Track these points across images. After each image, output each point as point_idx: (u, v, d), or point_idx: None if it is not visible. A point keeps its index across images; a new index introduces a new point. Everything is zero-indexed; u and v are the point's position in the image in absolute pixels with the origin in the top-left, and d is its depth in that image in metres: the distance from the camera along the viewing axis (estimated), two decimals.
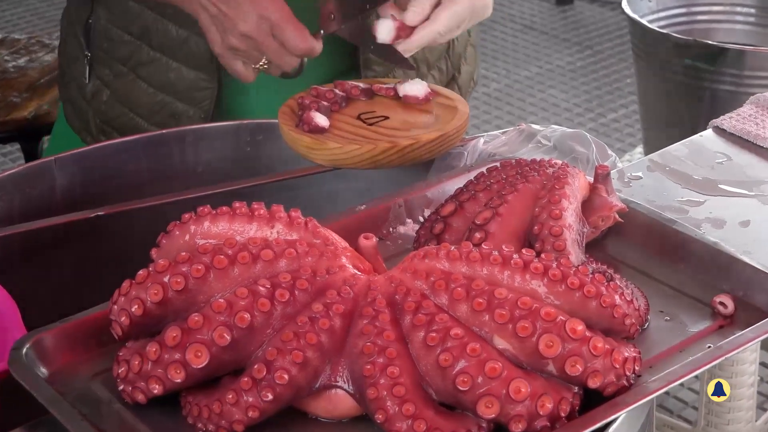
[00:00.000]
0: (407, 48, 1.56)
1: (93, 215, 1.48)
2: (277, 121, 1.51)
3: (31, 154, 3.19)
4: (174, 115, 1.78)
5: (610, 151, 1.58)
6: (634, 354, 1.10)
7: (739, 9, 3.35)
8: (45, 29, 5.51)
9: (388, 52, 1.55)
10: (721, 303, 1.23)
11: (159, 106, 1.79)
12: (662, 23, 3.25)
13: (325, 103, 1.51)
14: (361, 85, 1.56)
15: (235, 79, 1.63)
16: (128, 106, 1.81)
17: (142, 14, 1.76)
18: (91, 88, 1.85)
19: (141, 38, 1.78)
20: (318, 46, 1.58)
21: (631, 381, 1.09)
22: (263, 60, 1.59)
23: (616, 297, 1.11)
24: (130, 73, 1.81)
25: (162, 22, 1.75)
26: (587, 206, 1.30)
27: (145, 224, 1.32)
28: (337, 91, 1.53)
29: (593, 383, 1.06)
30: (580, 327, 1.06)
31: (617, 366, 1.07)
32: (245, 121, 1.72)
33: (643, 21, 3.09)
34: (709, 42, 2.94)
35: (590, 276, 1.11)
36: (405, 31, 1.55)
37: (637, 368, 1.10)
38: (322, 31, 1.58)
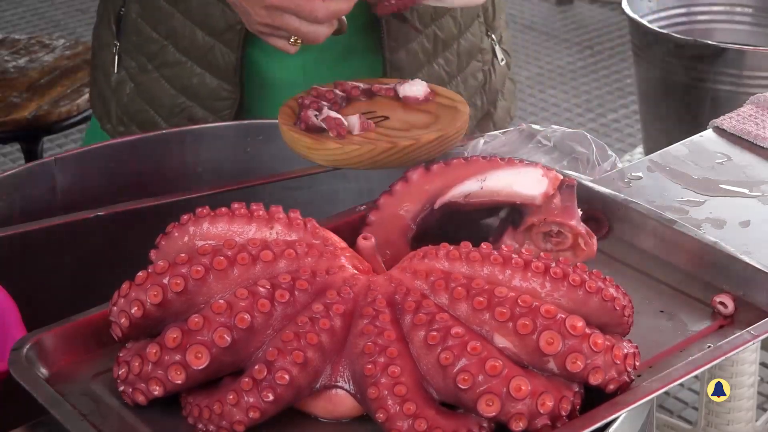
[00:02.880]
0: None
1: (93, 216, 1.48)
2: (277, 121, 1.51)
3: (31, 154, 3.19)
4: (193, 120, 1.78)
5: (610, 151, 1.58)
6: (633, 350, 1.10)
7: (738, 9, 3.35)
8: (45, 29, 5.52)
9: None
10: (721, 303, 1.23)
11: (179, 109, 1.79)
12: (662, 23, 3.25)
13: (324, 103, 1.51)
14: (361, 85, 1.56)
15: (256, 91, 1.63)
16: (149, 103, 1.81)
17: (172, 16, 1.76)
18: (116, 78, 1.85)
19: (168, 39, 1.78)
20: (333, 5, 1.51)
21: (632, 377, 1.09)
22: (293, 38, 1.57)
23: (612, 290, 1.11)
24: (154, 70, 1.80)
25: (190, 27, 1.75)
26: (535, 208, 1.28)
27: (145, 224, 1.32)
28: (337, 91, 1.53)
29: (594, 380, 1.06)
30: (580, 324, 1.06)
31: (618, 362, 1.07)
32: (245, 122, 1.72)
33: (643, 21, 3.08)
34: (709, 42, 2.94)
35: (589, 272, 1.11)
36: None
37: (637, 363, 1.10)
38: None
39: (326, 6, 1.51)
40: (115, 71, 1.85)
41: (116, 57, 1.85)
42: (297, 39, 1.56)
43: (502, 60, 1.92)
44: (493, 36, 1.90)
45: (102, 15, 1.90)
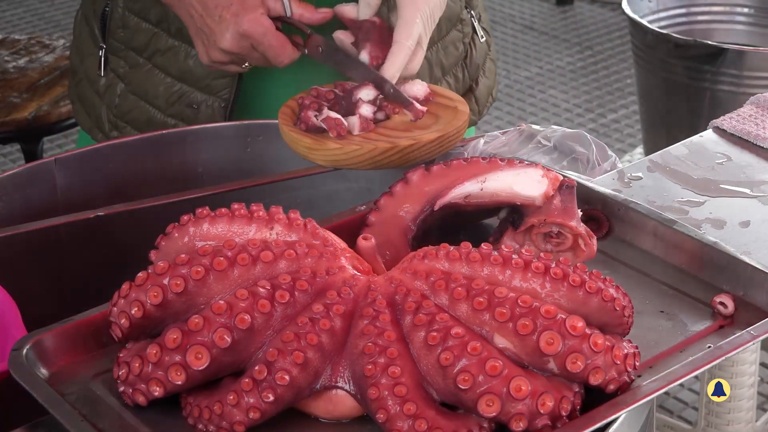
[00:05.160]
0: (390, 73, 1.51)
1: (93, 216, 1.48)
2: (277, 121, 1.51)
3: (31, 154, 3.19)
4: (192, 105, 1.77)
5: (610, 152, 1.58)
6: (633, 350, 1.10)
7: (738, 9, 3.36)
8: (45, 30, 5.52)
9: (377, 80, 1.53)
10: (722, 303, 1.23)
11: (176, 96, 1.78)
12: (662, 23, 3.26)
13: (324, 103, 1.51)
14: None
15: (255, 68, 1.65)
16: (144, 98, 1.81)
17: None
18: (104, 83, 1.84)
19: (159, 25, 1.78)
20: (297, 54, 1.59)
21: (632, 377, 1.09)
22: (247, 63, 1.62)
23: (612, 290, 1.11)
24: (146, 62, 1.80)
25: None
26: (535, 208, 1.28)
27: (145, 225, 1.33)
28: (337, 91, 1.53)
29: (594, 380, 1.06)
30: (580, 324, 1.06)
31: (618, 362, 1.07)
32: (245, 122, 1.72)
33: (643, 21, 3.09)
34: (709, 42, 2.95)
35: (589, 272, 1.11)
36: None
37: (637, 363, 1.10)
38: (306, 51, 1.59)
39: (293, 56, 1.59)
40: (102, 75, 1.85)
41: (102, 61, 1.85)
42: (249, 65, 1.63)
43: (483, 38, 1.95)
44: (472, 12, 1.92)
45: (81, 27, 1.91)
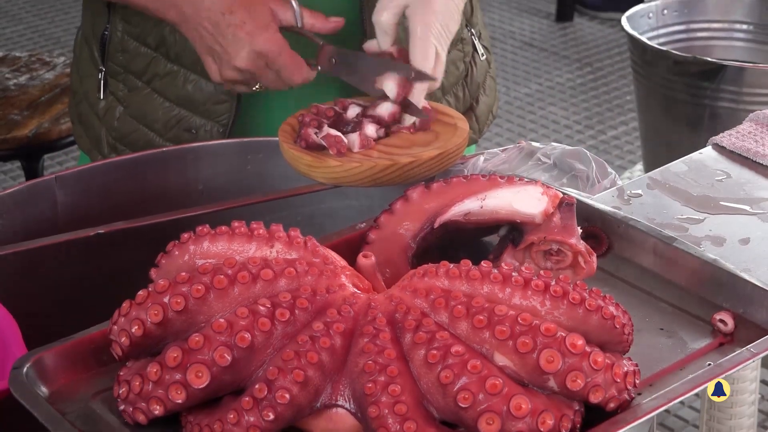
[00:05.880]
0: (417, 99, 1.52)
1: (93, 234, 1.48)
2: (277, 138, 1.51)
3: (31, 171, 3.19)
4: (190, 130, 1.77)
5: (609, 169, 1.58)
6: (633, 368, 1.10)
7: (737, 26, 3.36)
8: (46, 47, 5.52)
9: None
10: (721, 320, 1.23)
11: (175, 121, 1.78)
12: (662, 40, 3.26)
13: (325, 121, 1.51)
14: (361, 102, 1.56)
15: (254, 93, 1.65)
16: (143, 121, 1.81)
17: (160, 24, 1.75)
18: (104, 105, 1.84)
19: (158, 49, 1.77)
20: (312, 75, 1.60)
21: (632, 395, 1.09)
22: (258, 84, 1.62)
23: (612, 308, 1.11)
24: (145, 87, 1.80)
25: (179, 32, 1.75)
26: (535, 226, 1.28)
27: (145, 243, 1.32)
28: (337, 108, 1.53)
29: (595, 398, 1.06)
30: (580, 342, 1.06)
31: (618, 380, 1.07)
32: (246, 139, 1.72)
33: (643, 38, 3.09)
34: (708, 59, 2.95)
35: (589, 290, 1.11)
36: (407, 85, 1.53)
37: (637, 381, 1.10)
38: (319, 67, 1.59)
39: (306, 75, 1.58)
40: (102, 98, 1.85)
41: (101, 83, 1.84)
42: (260, 86, 1.63)
43: (483, 55, 1.95)
44: (472, 30, 1.93)
45: (81, 48, 1.90)
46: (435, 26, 1.53)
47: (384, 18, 1.54)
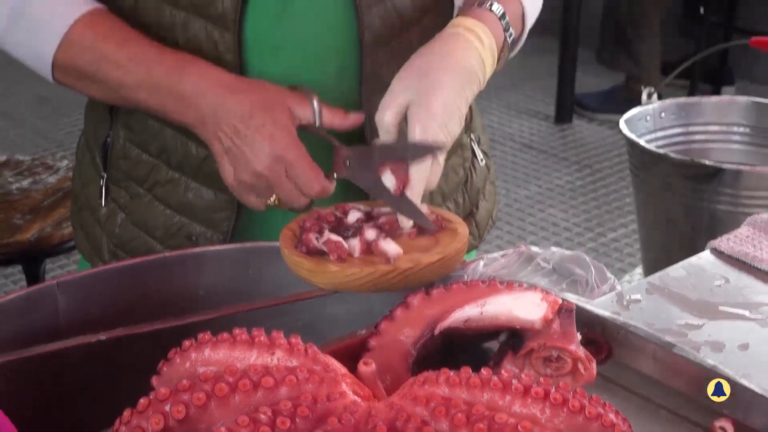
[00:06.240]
0: (413, 192, 1.53)
1: (95, 340, 1.49)
2: (278, 244, 1.52)
3: (32, 276, 3.20)
4: (191, 237, 1.78)
5: (608, 273, 1.58)
6: None
7: (735, 129, 3.38)
8: (49, 150, 5.56)
9: (403, 204, 1.53)
10: (722, 428, 1.23)
11: (176, 228, 1.79)
12: (660, 143, 3.28)
13: (325, 226, 1.52)
14: (362, 207, 1.57)
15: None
16: (144, 228, 1.81)
17: (162, 132, 1.76)
18: (105, 212, 1.85)
19: (159, 157, 1.78)
20: (331, 187, 1.60)
21: None
22: (274, 197, 1.62)
23: (611, 415, 1.11)
24: (146, 194, 1.80)
25: (181, 140, 1.75)
26: (535, 332, 1.28)
27: (147, 349, 1.33)
28: (338, 213, 1.54)
29: None
30: None
31: None
32: (247, 245, 1.72)
33: (641, 141, 3.11)
34: (706, 162, 2.97)
35: (589, 397, 1.12)
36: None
37: None
38: (335, 174, 1.60)
39: (324, 185, 1.59)
40: (103, 205, 1.85)
41: (103, 190, 1.85)
42: (275, 200, 1.62)
43: (482, 160, 1.96)
44: (472, 136, 1.93)
45: (83, 154, 1.91)
46: (432, 128, 1.55)
47: (387, 118, 1.55)
